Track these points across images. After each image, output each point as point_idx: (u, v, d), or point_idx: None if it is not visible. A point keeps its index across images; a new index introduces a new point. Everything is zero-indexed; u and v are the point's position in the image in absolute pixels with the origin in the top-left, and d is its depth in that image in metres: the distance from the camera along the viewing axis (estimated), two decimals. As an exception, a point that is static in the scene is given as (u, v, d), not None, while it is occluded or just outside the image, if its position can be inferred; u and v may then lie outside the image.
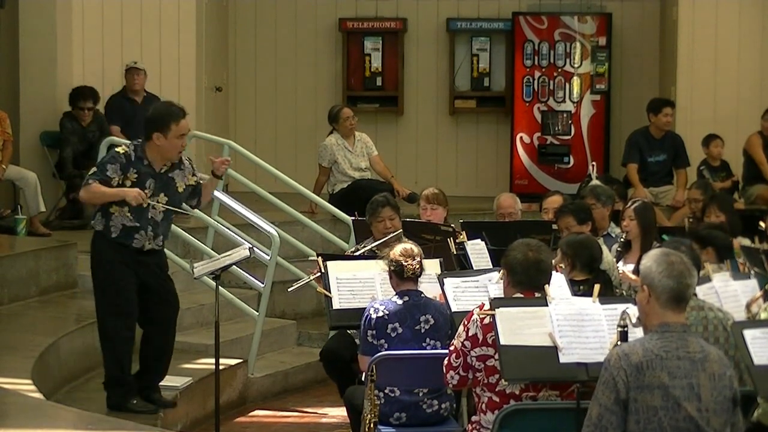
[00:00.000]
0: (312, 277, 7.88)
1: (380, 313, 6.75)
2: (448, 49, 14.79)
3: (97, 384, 8.04)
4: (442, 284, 6.65)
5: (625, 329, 5.10)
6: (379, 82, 14.82)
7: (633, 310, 5.11)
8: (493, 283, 6.39)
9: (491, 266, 7.71)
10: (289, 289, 8.56)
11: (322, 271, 7.48)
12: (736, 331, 5.61)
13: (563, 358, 5.56)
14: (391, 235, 8.24)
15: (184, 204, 7.92)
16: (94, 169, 7.62)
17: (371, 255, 8.09)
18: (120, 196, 7.56)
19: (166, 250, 10.11)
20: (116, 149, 7.70)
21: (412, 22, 14.82)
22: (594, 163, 12.15)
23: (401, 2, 14.87)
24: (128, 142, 8.14)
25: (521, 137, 14.38)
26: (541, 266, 5.86)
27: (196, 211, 10.56)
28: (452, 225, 8.68)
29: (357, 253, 8.39)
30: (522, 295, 5.83)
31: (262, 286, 9.68)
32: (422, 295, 6.86)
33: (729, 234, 8.51)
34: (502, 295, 6.02)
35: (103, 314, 7.73)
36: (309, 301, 11.24)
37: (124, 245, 7.62)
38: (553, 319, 5.63)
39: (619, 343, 5.04)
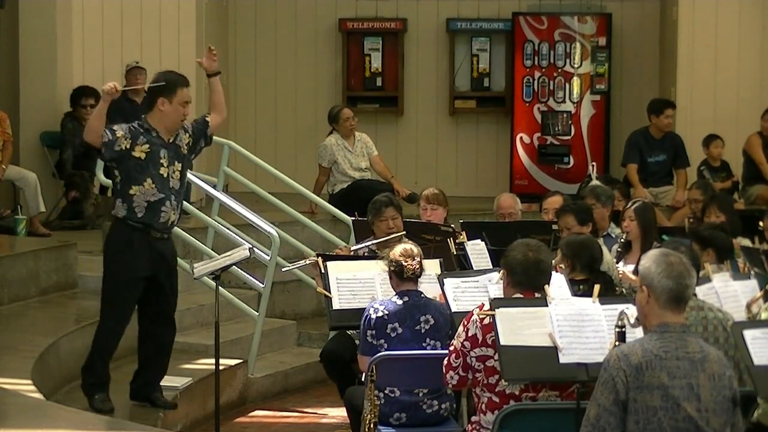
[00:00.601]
0: (308, 261, 7.89)
1: (380, 313, 6.75)
2: (448, 50, 14.79)
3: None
4: (442, 284, 6.65)
5: (623, 329, 5.11)
6: (379, 82, 14.83)
7: (631, 311, 5.12)
8: (493, 284, 6.39)
9: (491, 266, 7.71)
10: (283, 269, 8.59)
11: (322, 271, 7.48)
12: (736, 331, 5.61)
13: (563, 359, 5.56)
14: (393, 235, 8.23)
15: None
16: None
17: (371, 255, 8.09)
18: (102, 105, 7.50)
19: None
20: None
21: (412, 22, 14.82)
22: (594, 163, 12.15)
23: (401, 2, 14.87)
24: None
25: (521, 137, 14.38)
26: (540, 266, 5.86)
27: (196, 211, 10.62)
28: (452, 225, 8.68)
29: (354, 249, 8.39)
30: (522, 296, 5.84)
31: (262, 286, 9.68)
32: (422, 295, 6.86)
33: (729, 234, 8.51)
34: (502, 296, 6.02)
35: (103, 302, 7.70)
36: (309, 301, 11.25)
37: (149, 226, 7.59)
38: (553, 319, 5.63)
39: (617, 343, 5.05)
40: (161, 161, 7.56)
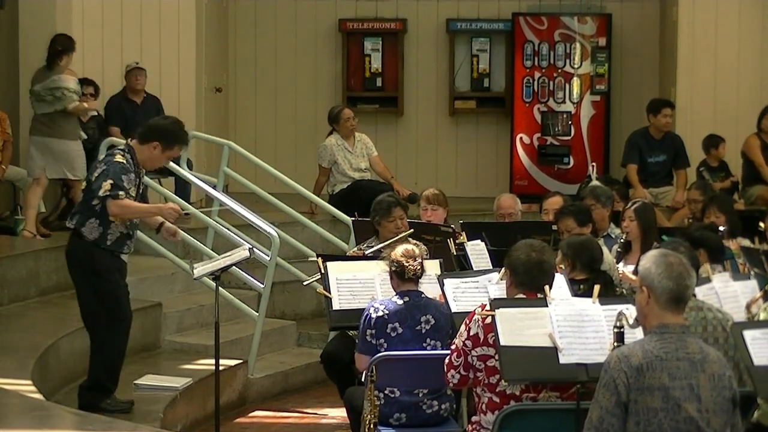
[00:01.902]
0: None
1: (380, 313, 6.75)
2: (448, 50, 14.79)
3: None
4: (442, 285, 6.66)
5: (622, 330, 5.11)
6: (379, 82, 14.82)
7: (630, 311, 5.12)
8: (493, 284, 6.39)
9: (491, 267, 7.71)
10: (305, 283, 8.60)
11: (322, 272, 7.48)
12: (736, 331, 5.61)
13: (563, 359, 5.56)
14: (402, 234, 8.23)
15: None
16: (110, 181, 7.45)
17: (374, 254, 8.08)
18: (154, 212, 7.73)
19: (165, 249, 10.24)
20: (116, 158, 7.55)
21: (411, 22, 14.82)
22: (594, 163, 12.16)
23: (401, 3, 14.87)
24: (122, 144, 8.07)
25: (521, 138, 14.38)
26: (543, 267, 5.86)
27: (196, 211, 10.63)
28: (452, 225, 8.68)
29: (368, 252, 8.36)
30: (524, 296, 5.84)
31: (262, 286, 9.68)
32: (423, 295, 6.86)
33: (729, 235, 8.51)
34: (502, 296, 6.03)
35: (100, 324, 7.67)
36: (309, 301, 11.25)
37: (115, 253, 7.64)
38: (553, 319, 5.63)
39: (616, 344, 5.05)
40: (135, 197, 7.66)
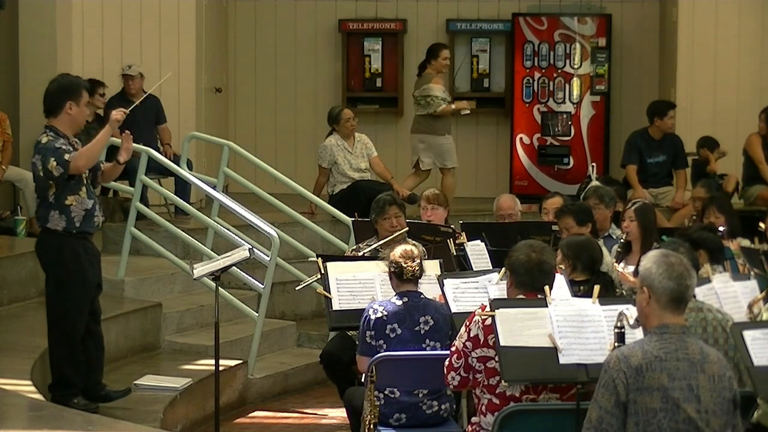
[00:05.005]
0: (319, 277, 7.87)
1: (379, 314, 6.75)
2: (448, 50, 14.77)
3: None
4: (441, 285, 6.65)
5: (622, 330, 5.11)
6: (378, 83, 14.83)
7: (630, 312, 5.12)
8: (493, 284, 6.39)
9: (491, 267, 7.71)
10: (297, 288, 8.60)
11: (322, 272, 7.48)
12: (736, 332, 5.61)
13: (563, 359, 5.56)
14: (397, 233, 8.23)
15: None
16: (51, 159, 7.31)
17: (373, 254, 8.08)
18: (108, 134, 7.56)
19: (164, 250, 10.23)
20: (42, 142, 7.45)
21: (411, 23, 14.83)
22: (594, 164, 12.16)
23: (401, 3, 14.87)
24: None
25: (521, 138, 14.39)
26: (543, 268, 5.86)
27: (196, 212, 10.63)
28: (452, 226, 8.68)
29: (362, 251, 8.38)
30: (525, 297, 5.84)
31: (262, 287, 9.67)
32: (422, 296, 6.86)
33: (729, 235, 8.51)
34: (502, 296, 6.03)
35: (66, 315, 7.57)
36: (309, 302, 11.24)
37: (87, 233, 7.59)
38: (553, 320, 5.63)
39: (616, 344, 5.05)
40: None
